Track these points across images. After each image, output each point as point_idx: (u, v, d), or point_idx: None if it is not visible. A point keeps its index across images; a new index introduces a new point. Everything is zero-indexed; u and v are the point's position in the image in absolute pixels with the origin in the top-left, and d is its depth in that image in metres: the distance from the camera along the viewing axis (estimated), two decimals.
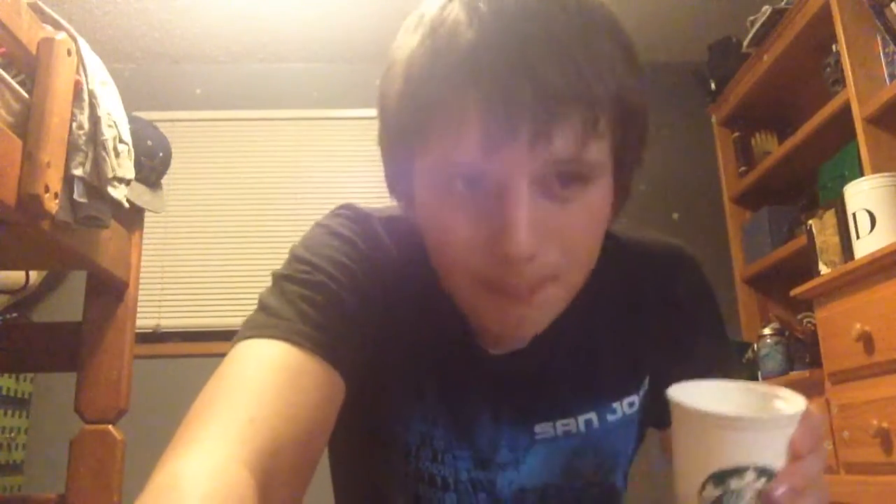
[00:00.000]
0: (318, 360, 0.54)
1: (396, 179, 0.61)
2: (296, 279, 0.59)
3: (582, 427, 0.67)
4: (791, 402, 0.49)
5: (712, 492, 0.47)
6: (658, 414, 0.73)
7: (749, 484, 0.47)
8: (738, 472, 0.47)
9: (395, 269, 0.61)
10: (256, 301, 0.60)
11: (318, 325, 0.56)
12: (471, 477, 0.67)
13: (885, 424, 1.65)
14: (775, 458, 0.47)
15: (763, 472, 0.47)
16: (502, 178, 0.51)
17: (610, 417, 0.68)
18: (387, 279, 0.62)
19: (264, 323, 0.56)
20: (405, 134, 0.56)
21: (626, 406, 0.69)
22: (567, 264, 0.55)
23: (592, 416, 0.67)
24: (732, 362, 0.75)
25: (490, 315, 0.57)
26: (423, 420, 0.67)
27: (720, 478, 0.47)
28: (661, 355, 0.69)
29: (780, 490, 0.47)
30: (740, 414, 0.48)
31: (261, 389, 0.51)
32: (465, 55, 0.49)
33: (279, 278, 0.60)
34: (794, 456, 0.47)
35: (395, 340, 0.62)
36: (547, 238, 0.53)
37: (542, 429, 0.67)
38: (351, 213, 0.67)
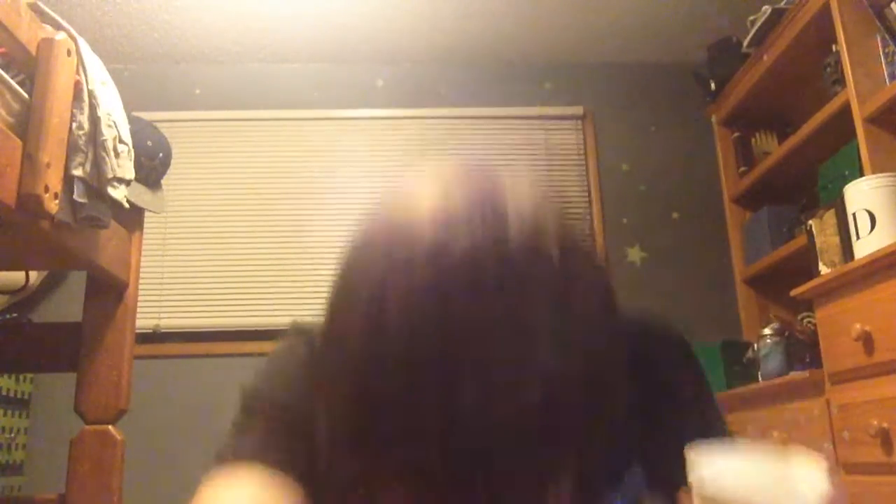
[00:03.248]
0: (280, 474, 0.57)
1: None
2: (246, 410, 0.63)
3: None
4: (811, 479, 0.48)
5: None
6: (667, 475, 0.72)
7: None
8: None
9: None
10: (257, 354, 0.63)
11: (273, 446, 0.59)
12: None
13: (885, 424, 1.65)
14: None
15: None
16: None
17: None
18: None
19: (228, 451, 0.60)
20: None
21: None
22: None
23: None
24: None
25: None
26: None
27: None
28: (649, 441, 0.66)
29: None
30: None
31: None
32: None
33: (239, 411, 0.64)
34: None
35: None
36: None
37: None
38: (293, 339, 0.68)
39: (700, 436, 0.67)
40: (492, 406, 0.39)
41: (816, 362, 2.00)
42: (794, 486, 0.48)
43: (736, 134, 2.92)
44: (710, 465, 0.49)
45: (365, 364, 0.42)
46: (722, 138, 2.99)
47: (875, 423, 1.67)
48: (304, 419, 0.60)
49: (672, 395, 0.67)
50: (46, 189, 1.14)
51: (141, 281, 1.72)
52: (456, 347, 0.40)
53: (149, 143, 1.67)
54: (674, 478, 0.68)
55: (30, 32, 1.18)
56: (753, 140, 2.88)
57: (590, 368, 0.43)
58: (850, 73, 2.09)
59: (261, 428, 0.61)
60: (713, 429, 0.69)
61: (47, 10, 1.28)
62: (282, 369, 0.66)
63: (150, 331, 2.85)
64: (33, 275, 2.63)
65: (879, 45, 2.09)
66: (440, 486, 0.41)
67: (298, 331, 0.69)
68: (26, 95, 1.16)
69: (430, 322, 0.40)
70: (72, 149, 1.22)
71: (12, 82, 1.14)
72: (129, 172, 1.36)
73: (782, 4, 2.52)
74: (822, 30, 2.26)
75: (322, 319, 0.48)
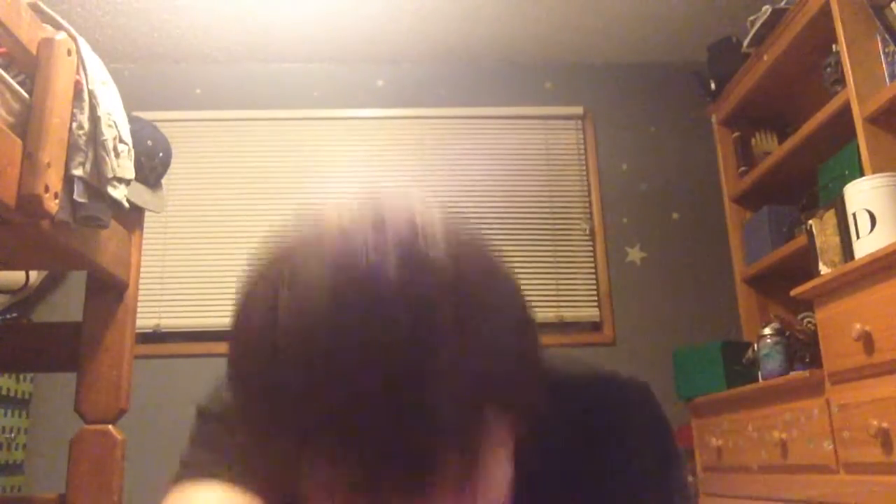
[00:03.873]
0: (239, 489, 0.56)
1: None
2: (203, 421, 0.63)
3: None
4: None
5: None
6: None
7: None
8: None
9: None
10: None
11: (230, 460, 0.58)
12: None
13: (885, 424, 1.65)
14: None
15: None
16: None
17: None
18: None
19: (187, 466, 0.59)
20: None
21: None
22: None
23: None
24: None
25: None
26: None
27: None
28: None
29: None
30: None
31: None
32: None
33: (196, 423, 0.63)
34: None
35: None
36: None
37: None
38: None
39: None
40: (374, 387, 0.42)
41: (816, 362, 2.00)
42: None
43: (736, 134, 2.92)
44: None
45: (263, 357, 0.44)
46: (722, 138, 2.99)
47: (875, 423, 1.67)
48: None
49: (634, 470, 0.63)
50: (46, 189, 1.14)
51: (141, 281, 1.72)
52: (345, 337, 0.42)
53: (149, 142, 1.67)
54: None
55: (30, 32, 1.18)
56: (753, 140, 2.88)
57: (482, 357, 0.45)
58: (850, 73, 2.09)
59: (218, 441, 0.59)
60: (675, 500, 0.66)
61: (47, 10, 1.28)
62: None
63: (150, 331, 2.85)
64: (33, 275, 2.63)
65: (879, 45, 2.09)
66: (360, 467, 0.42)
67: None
68: (26, 95, 1.16)
69: (321, 315, 0.43)
70: (72, 149, 1.22)
71: (12, 82, 1.14)
72: (129, 172, 1.36)
73: (782, 4, 2.52)
74: (822, 30, 2.26)
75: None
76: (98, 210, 1.30)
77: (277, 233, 0.50)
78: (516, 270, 0.53)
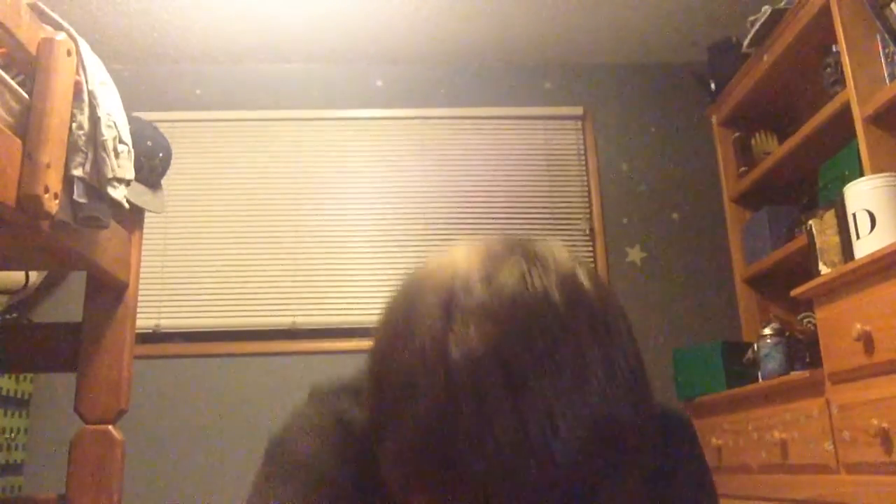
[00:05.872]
0: None
1: None
2: (272, 461, 0.63)
3: None
4: None
5: None
6: None
7: None
8: None
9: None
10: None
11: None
12: None
13: (885, 424, 1.65)
14: None
15: None
16: None
17: None
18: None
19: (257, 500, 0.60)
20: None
21: None
22: None
23: None
24: None
25: None
26: None
27: None
28: None
29: None
30: None
31: None
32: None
33: (266, 461, 0.63)
34: None
35: None
36: None
37: None
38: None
39: None
40: (560, 438, 0.43)
41: (816, 362, 2.00)
42: None
43: (736, 134, 2.92)
44: None
45: (436, 414, 0.43)
46: (722, 138, 2.99)
47: (875, 423, 1.67)
48: (329, 480, 0.61)
49: (678, 485, 0.68)
50: (46, 189, 1.14)
51: (141, 281, 1.72)
52: (520, 391, 0.42)
53: (149, 143, 1.66)
54: None
55: (30, 32, 1.18)
56: (753, 140, 2.88)
57: (632, 405, 0.46)
58: (850, 73, 2.09)
59: (287, 481, 0.61)
60: None
61: (47, 10, 1.28)
62: (307, 429, 0.65)
63: (150, 331, 2.85)
64: (33, 275, 2.63)
65: (879, 45, 2.09)
66: None
67: (320, 392, 0.69)
68: (26, 95, 1.16)
69: (492, 370, 0.42)
70: (72, 149, 1.22)
71: (12, 82, 1.14)
72: (129, 172, 1.36)
73: (782, 4, 2.52)
74: (822, 30, 2.26)
75: (368, 374, 0.50)
76: (98, 210, 1.30)
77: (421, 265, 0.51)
78: None
